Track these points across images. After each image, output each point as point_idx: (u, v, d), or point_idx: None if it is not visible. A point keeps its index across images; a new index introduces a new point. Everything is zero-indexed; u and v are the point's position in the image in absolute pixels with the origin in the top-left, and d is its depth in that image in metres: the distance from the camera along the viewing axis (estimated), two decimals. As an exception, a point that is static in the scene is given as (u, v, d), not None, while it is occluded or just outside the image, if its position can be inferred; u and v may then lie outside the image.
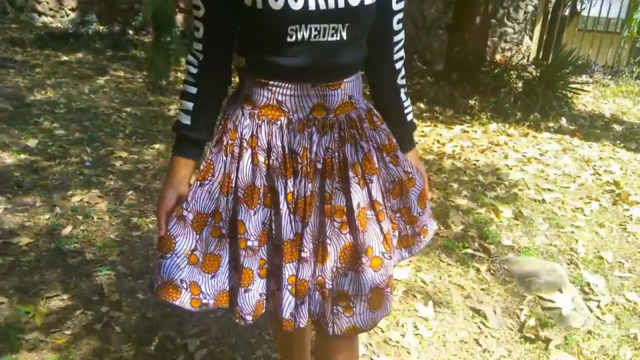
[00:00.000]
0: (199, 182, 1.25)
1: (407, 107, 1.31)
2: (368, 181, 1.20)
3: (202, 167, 1.26)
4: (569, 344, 2.21)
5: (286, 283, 1.22)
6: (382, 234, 1.22)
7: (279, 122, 1.14)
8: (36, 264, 2.41)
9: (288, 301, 1.23)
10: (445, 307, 2.41)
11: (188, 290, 1.27)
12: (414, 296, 2.46)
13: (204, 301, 1.29)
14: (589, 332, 2.29)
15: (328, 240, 1.19)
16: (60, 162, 3.31)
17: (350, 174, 1.18)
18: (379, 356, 2.11)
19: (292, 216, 1.21)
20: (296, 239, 1.19)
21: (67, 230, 2.68)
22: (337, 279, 1.22)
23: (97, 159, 3.44)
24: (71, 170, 3.24)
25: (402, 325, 2.28)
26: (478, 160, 3.87)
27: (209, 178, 1.24)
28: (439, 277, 2.60)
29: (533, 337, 2.23)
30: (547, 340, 2.21)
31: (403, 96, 1.28)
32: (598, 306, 2.47)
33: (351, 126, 1.22)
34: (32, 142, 3.41)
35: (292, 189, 1.20)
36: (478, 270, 2.67)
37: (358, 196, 1.19)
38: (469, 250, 2.80)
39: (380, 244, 1.22)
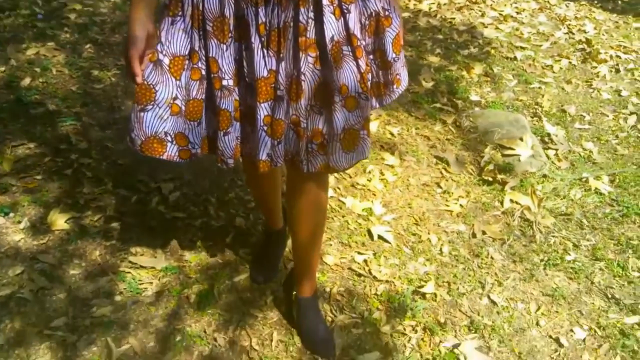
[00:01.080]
0: (170, 19, 1.16)
1: None
2: (345, 11, 1.11)
3: (168, 1, 1.16)
4: (524, 186, 2.36)
5: (262, 124, 1.16)
6: (359, 72, 1.16)
7: None
8: (-2, 115, 2.36)
9: (264, 142, 1.21)
10: (411, 155, 2.50)
11: (174, 142, 1.24)
12: (382, 147, 2.53)
13: (193, 151, 1.26)
14: (544, 176, 2.44)
15: (302, 77, 1.13)
16: (10, 15, 3.08)
17: (325, 1, 1.09)
18: (346, 197, 2.23)
19: (265, 51, 1.13)
20: (270, 77, 1.13)
21: (26, 82, 2.58)
22: (311, 117, 1.19)
23: (49, 10, 3.22)
24: (23, 23, 3.04)
25: (369, 172, 2.38)
26: (454, 18, 3.77)
27: (179, 13, 1.15)
28: (406, 129, 2.66)
29: (491, 180, 2.37)
30: (504, 183, 2.35)
31: None
32: (555, 154, 2.61)
33: None
34: (-23, -6, 3.13)
35: (263, 19, 1.11)
36: (445, 122, 2.73)
37: (332, 28, 1.11)
38: (437, 105, 2.84)
39: (357, 84, 1.16)
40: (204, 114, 1.23)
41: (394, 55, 1.27)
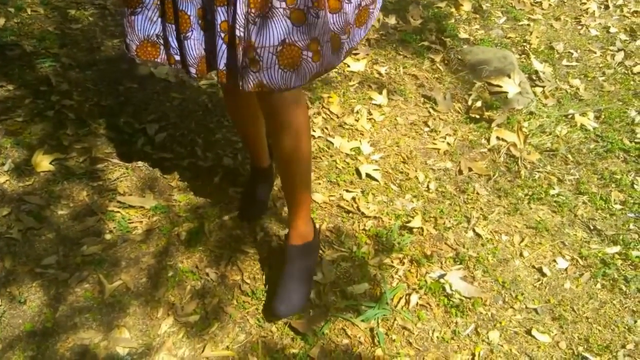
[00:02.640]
0: None
1: None
2: None
3: None
4: (511, 122, 2.36)
5: (219, 30, 1.11)
6: None
7: None
8: (-28, 57, 2.27)
9: (221, 50, 1.14)
10: (399, 95, 2.48)
11: (163, 46, 1.21)
12: (369, 86, 2.50)
13: (176, 57, 1.22)
14: (531, 113, 2.45)
15: None
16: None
17: None
18: (333, 137, 2.22)
19: None
20: None
21: (0, 22, 2.48)
22: (247, 26, 1.08)
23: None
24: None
25: (357, 112, 2.36)
26: None
27: None
28: (394, 68, 2.63)
29: (478, 117, 2.37)
30: (491, 120, 2.35)
31: None
32: (542, 91, 2.61)
33: None
34: None
35: None
36: (433, 61, 2.69)
37: None
38: (426, 43, 2.79)
39: None
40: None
41: None
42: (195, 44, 1.19)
